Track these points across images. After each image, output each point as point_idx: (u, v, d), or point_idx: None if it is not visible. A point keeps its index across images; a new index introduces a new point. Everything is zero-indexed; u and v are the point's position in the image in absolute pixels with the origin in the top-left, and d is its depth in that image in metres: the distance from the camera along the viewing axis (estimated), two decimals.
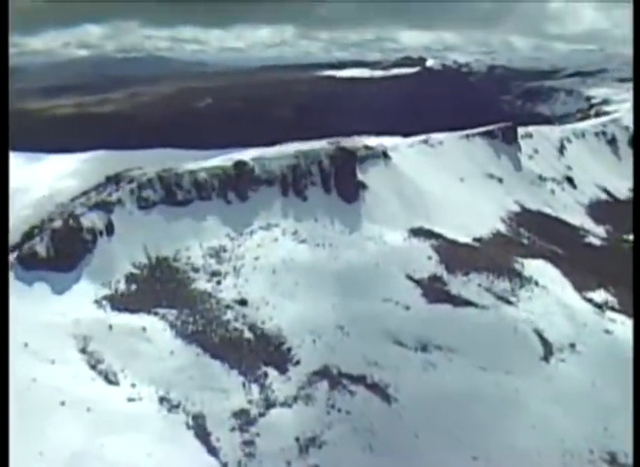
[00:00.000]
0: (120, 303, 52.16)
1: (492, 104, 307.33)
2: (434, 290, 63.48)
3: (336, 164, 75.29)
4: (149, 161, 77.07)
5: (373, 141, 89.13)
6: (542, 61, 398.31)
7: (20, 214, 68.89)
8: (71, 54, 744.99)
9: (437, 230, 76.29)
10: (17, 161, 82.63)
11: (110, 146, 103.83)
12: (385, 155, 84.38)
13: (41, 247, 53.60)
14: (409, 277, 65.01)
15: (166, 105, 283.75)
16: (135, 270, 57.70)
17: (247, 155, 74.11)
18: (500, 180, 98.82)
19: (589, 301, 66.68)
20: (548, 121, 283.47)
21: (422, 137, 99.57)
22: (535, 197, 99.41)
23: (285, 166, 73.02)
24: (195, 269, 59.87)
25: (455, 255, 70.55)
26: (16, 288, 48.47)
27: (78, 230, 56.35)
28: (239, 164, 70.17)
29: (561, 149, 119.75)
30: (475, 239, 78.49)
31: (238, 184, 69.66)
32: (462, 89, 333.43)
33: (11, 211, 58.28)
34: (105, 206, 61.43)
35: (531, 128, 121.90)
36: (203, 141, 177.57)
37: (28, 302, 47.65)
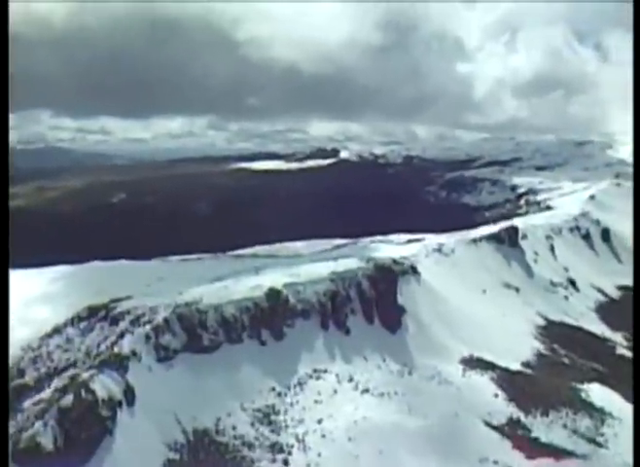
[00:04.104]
0: None
1: (417, 196, 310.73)
2: (522, 439, 54.52)
3: (376, 287, 64.42)
4: (130, 282, 67.75)
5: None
6: (456, 151, 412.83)
7: None
8: None
9: (486, 357, 69.83)
10: None
11: (30, 246, 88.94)
12: (415, 270, 74.72)
13: (46, 438, 38.05)
14: (488, 424, 56.27)
15: (78, 201, 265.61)
16: (173, 455, 42.82)
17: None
18: (517, 290, 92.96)
19: None
20: (475, 211, 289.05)
21: (434, 245, 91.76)
22: (553, 306, 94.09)
23: (322, 293, 61.17)
24: (249, 445, 45.64)
25: (518, 388, 63.13)
26: None
27: (93, 404, 41.27)
28: (273, 294, 57.54)
29: (552, 248, 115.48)
30: (524, 364, 72.82)
31: (272, 319, 56.84)
32: (383, 182, 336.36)
33: None
34: (118, 362, 46.57)
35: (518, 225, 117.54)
36: (142, 247, 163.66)
37: None
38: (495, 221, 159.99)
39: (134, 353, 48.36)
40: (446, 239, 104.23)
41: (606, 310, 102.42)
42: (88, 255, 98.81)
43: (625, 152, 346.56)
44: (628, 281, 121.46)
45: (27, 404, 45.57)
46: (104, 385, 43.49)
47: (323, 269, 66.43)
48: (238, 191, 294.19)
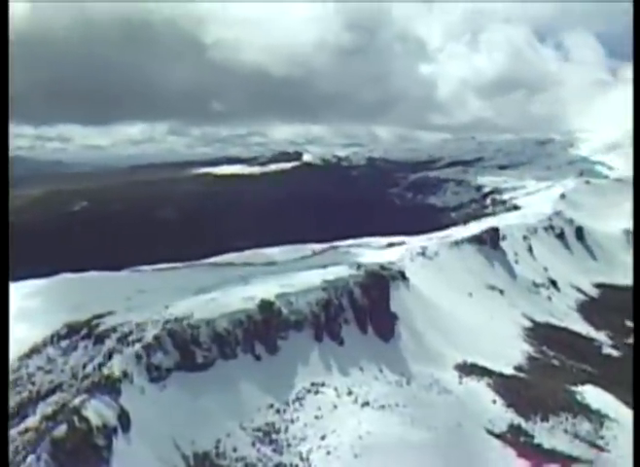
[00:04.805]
0: None
1: (383, 198, 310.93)
2: (526, 446, 53.72)
3: (368, 295, 63.02)
4: (108, 295, 65.58)
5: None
6: (418, 152, 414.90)
7: None
8: None
9: (480, 362, 69.32)
10: None
11: None
12: (403, 275, 73.59)
13: None
14: (490, 433, 55.43)
15: (38, 210, 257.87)
16: None
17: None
18: (501, 292, 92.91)
19: None
20: (441, 212, 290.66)
21: (417, 249, 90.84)
22: (537, 307, 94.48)
23: (315, 303, 59.49)
24: None
25: (514, 393, 62.46)
26: None
27: (87, 433, 38.87)
28: (265, 305, 55.64)
29: (530, 249, 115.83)
30: (516, 368, 72.68)
31: (266, 332, 54.94)
32: (348, 184, 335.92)
33: None
34: (110, 385, 44.17)
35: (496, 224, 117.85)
36: (107, 256, 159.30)
37: None
38: (466, 222, 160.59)
39: (125, 374, 46.01)
40: (426, 242, 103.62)
41: (587, 310, 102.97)
42: (52, 266, 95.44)
43: (587, 149, 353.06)
44: (604, 279, 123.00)
45: (13, 432, 42.98)
46: (97, 411, 41.06)
47: (314, 277, 64.71)
48: (203, 196, 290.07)
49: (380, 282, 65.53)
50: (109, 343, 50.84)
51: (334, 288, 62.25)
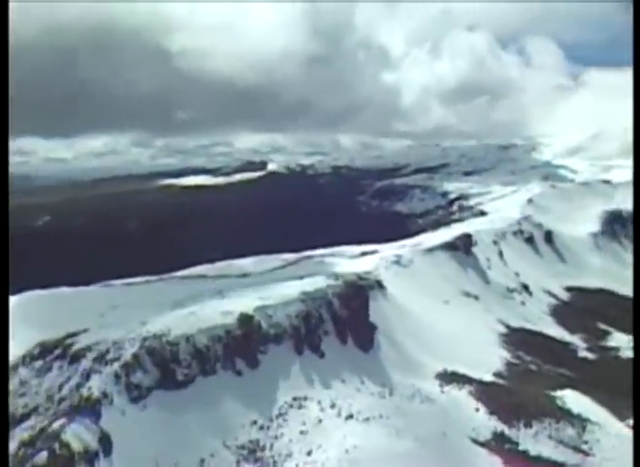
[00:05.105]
0: None
1: (350, 206, 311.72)
2: (511, 454, 53.79)
3: (348, 306, 62.67)
4: (80, 312, 63.51)
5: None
6: (383, 159, 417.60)
7: None
8: None
9: (460, 370, 69.27)
10: None
11: None
12: (380, 284, 73.51)
13: None
14: (475, 441, 55.24)
15: None
16: None
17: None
18: (476, 298, 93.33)
19: None
20: (408, 219, 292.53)
21: (392, 257, 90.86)
22: (512, 313, 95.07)
23: (294, 316, 58.92)
24: None
25: (496, 400, 62.36)
26: None
27: (68, 459, 37.81)
28: (245, 319, 54.85)
29: (501, 254, 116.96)
30: (496, 375, 72.50)
31: (246, 347, 54.15)
32: (314, 193, 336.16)
33: None
34: (89, 407, 43.04)
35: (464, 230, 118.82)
36: (73, 271, 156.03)
37: None
38: (434, 228, 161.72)
39: (105, 395, 44.91)
40: (399, 250, 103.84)
41: (560, 313, 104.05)
42: (18, 283, 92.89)
43: (550, 153, 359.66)
44: (574, 282, 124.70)
45: None
46: (78, 435, 40.15)
47: (292, 289, 64.09)
48: (169, 208, 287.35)
49: (359, 292, 65.27)
50: (85, 363, 49.42)
51: (312, 299, 61.74)
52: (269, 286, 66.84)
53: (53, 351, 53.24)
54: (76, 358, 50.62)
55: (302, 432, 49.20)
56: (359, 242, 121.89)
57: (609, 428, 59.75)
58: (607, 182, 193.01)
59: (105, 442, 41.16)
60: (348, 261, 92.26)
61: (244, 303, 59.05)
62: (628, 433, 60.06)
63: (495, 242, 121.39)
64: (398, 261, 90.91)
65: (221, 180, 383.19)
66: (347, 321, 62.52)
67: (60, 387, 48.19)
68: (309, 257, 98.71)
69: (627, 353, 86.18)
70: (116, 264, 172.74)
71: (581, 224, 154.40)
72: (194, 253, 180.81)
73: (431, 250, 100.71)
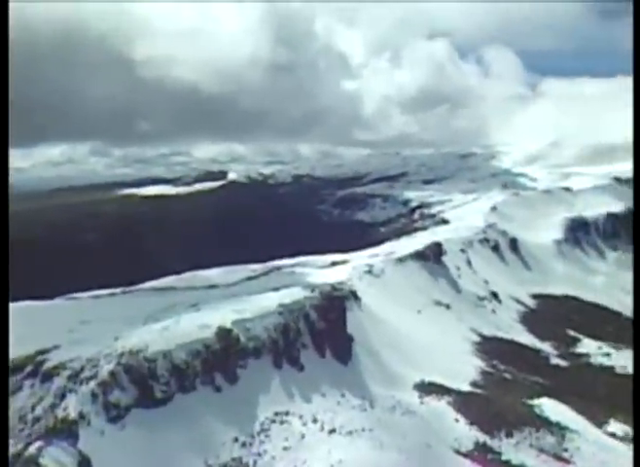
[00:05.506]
0: None
1: (312, 215, 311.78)
2: (494, 463, 53.75)
3: (325, 318, 62.20)
4: (49, 327, 62.46)
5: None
6: (343, 168, 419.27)
7: None
8: None
9: (437, 381, 69.18)
10: None
11: None
12: (355, 295, 73.25)
13: None
14: (458, 452, 55.20)
15: None
16: None
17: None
18: (448, 306, 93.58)
19: (614, 435, 62.77)
20: (371, 227, 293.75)
21: (364, 267, 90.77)
22: (484, 321, 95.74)
23: (272, 329, 58.13)
24: None
25: (475, 410, 62.61)
26: None
27: None
28: (223, 333, 53.89)
29: (469, 262, 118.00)
30: (472, 384, 72.86)
31: (225, 361, 53.18)
32: (276, 202, 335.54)
33: None
34: (67, 429, 41.58)
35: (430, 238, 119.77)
36: (32, 284, 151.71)
37: None
38: (398, 236, 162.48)
39: (82, 416, 43.50)
40: (370, 259, 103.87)
41: (529, 321, 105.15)
42: None
43: (508, 162, 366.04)
44: (540, 289, 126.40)
45: None
46: (56, 459, 38.74)
47: (268, 301, 63.23)
48: (129, 218, 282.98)
49: (336, 304, 64.82)
50: (59, 382, 47.87)
51: (290, 312, 61.04)
52: (245, 298, 65.96)
53: (24, 369, 51.42)
54: (48, 376, 49.00)
55: (285, 448, 48.41)
56: (322, 252, 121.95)
57: (588, 435, 60.39)
58: (568, 189, 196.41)
59: (84, 465, 39.77)
60: (320, 271, 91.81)
61: (221, 316, 58.02)
62: (607, 440, 61.06)
63: (463, 250, 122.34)
64: (370, 271, 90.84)
65: (182, 190, 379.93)
66: (325, 333, 62.00)
67: (33, 408, 46.57)
68: (279, 267, 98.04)
69: (599, 359, 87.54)
70: (76, 276, 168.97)
71: (544, 231, 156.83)
72: (156, 264, 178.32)
73: (402, 260, 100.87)
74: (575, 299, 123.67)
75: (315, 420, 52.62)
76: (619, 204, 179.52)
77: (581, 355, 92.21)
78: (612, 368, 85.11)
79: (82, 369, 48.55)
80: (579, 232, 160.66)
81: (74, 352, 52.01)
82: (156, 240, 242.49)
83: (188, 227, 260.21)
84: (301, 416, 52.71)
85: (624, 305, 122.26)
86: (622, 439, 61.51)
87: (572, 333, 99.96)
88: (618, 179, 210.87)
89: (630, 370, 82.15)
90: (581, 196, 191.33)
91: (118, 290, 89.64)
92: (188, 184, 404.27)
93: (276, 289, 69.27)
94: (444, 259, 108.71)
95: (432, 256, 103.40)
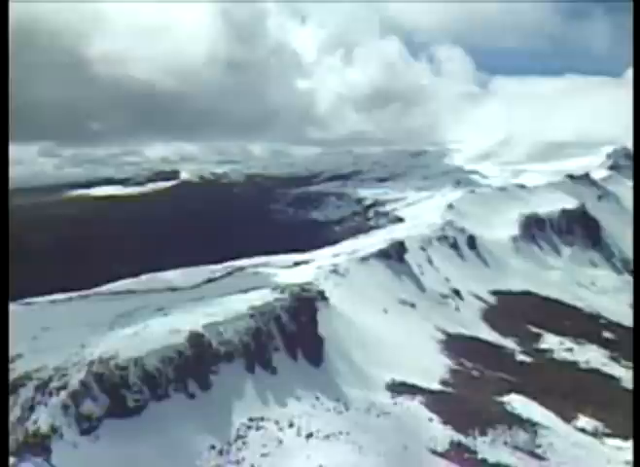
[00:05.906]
0: None
1: (266, 215, 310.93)
2: (471, 462, 54.05)
3: (296, 319, 61.75)
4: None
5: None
6: (296, 167, 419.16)
7: None
8: None
9: (408, 380, 69.49)
10: None
11: None
12: (323, 296, 72.98)
13: None
14: (434, 452, 54.54)
15: None
16: None
17: None
18: (413, 305, 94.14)
19: (583, 430, 64.30)
20: (326, 226, 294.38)
21: (329, 267, 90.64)
22: (448, 319, 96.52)
23: (244, 332, 57.31)
24: None
25: (447, 408, 62.86)
26: None
27: None
28: (195, 338, 52.76)
29: (430, 260, 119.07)
30: (442, 383, 73.03)
31: (197, 367, 52.10)
32: (229, 202, 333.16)
33: None
34: (39, 444, 40.09)
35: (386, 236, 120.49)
36: None
37: None
38: (354, 234, 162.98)
39: (54, 429, 41.94)
40: (333, 259, 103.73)
41: (491, 318, 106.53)
42: None
43: (461, 159, 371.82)
44: (499, 285, 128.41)
45: None
46: None
47: (238, 303, 62.22)
48: (80, 220, 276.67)
49: (306, 305, 64.38)
50: (26, 393, 46.08)
51: (261, 314, 60.26)
52: (214, 301, 64.89)
53: None
54: (14, 388, 47.08)
55: (263, 454, 47.69)
56: (279, 251, 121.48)
57: (559, 431, 61.44)
58: (523, 187, 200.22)
59: None
60: (284, 271, 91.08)
61: (191, 320, 56.80)
62: (577, 435, 62.21)
63: (423, 248, 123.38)
64: (335, 270, 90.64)
65: (134, 190, 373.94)
66: (296, 336, 61.51)
67: None
68: (241, 268, 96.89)
69: (562, 354, 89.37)
70: (26, 280, 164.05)
71: (500, 228, 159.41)
72: (108, 267, 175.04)
73: (365, 259, 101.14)
74: (533, 294, 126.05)
75: (292, 425, 52.09)
76: (573, 201, 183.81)
77: (544, 351, 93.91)
78: (576, 363, 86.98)
79: (50, 379, 46.86)
80: (534, 228, 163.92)
81: (39, 361, 50.21)
82: (108, 242, 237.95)
83: (140, 227, 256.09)
84: (277, 421, 52.07)
85: (581, 299, 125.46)
86: (593, 434, 62.85)
87: (533, 328, 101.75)
88: (571, 176, 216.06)
89: (595, 365, 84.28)
90: (535, 192, 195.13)
91: (75, 294, 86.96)
92: (139, 184, 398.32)
93: (244, 291, 68.38)
94: (407, 257, 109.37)
95: (395, 254, 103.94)
